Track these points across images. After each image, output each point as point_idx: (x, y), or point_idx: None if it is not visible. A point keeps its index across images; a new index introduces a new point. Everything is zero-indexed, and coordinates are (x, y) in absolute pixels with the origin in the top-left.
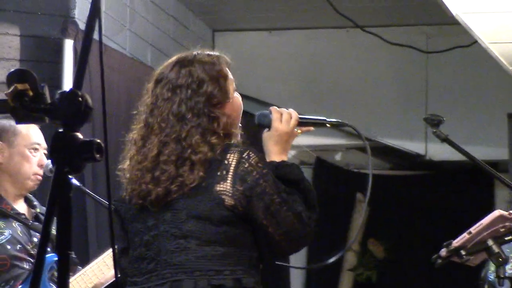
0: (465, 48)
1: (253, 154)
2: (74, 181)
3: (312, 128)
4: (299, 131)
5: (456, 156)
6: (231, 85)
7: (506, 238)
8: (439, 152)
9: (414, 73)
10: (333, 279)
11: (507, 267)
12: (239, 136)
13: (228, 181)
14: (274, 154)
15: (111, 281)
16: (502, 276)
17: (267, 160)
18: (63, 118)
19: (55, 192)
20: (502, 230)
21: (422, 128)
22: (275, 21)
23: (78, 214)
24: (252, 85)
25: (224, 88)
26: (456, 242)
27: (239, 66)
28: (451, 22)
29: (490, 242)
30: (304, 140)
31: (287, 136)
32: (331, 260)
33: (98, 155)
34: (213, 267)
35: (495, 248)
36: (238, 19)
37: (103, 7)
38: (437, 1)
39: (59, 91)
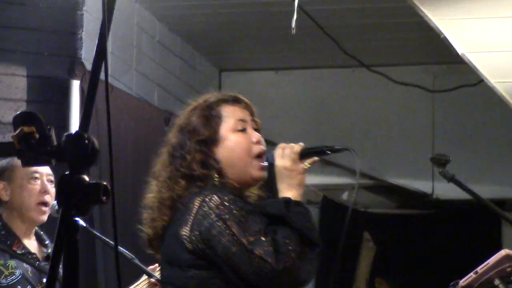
0: (471, 87)
1: (216, 197)
2: (81, 222)
3: (317, 159)
4: (307, 164)
5: (463, 195)
6: (228, 123)
7: None
8: (446, 191)
9: (420, 112)
10: None
11: None
12: (254, 174)
13: (188, 225)
14: (280, 191)
15: None
16: None
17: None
18: (69, 161)
19: (61, 234)
20: (508, 269)
21: (428, 167)
22: (281, 61)
23: (86, 254)
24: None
25: (210, 126)
26: (463, 282)
27: None
28: (457, 61)
29: (497, 282)
30: (311, 179)
31: (288, 171)
32: None
33: (104, 198)
34: None
35: None
36: (245, 59)
37: (109, 48)
38: (443, 40)
39: (65, 133)
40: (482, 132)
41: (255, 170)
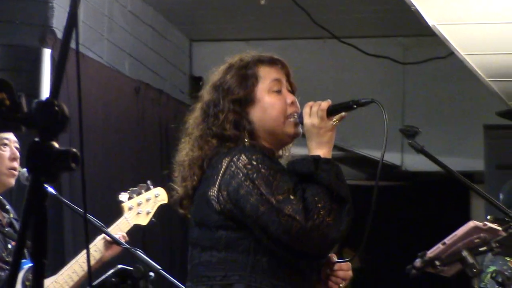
0: (442, 59)
1: (243, 157)
2: (50, 190)
3: (344, 114)
4: (335, 120)
5: (432, 167)
6: (263, 84)
7: (480, 249)
8: (415, 162)
9: (390, 84)
10: None
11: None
12: (288, 130)
13: (216, 186)
14: (311, 149)
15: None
16: (477, 286)
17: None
18: (39, 127)
19: (30, 201)
20: (476, 241)
21: (398, 139)
22: (252, 31)
23: (54, 222)
24: None
25: (245, 86)
26: (430, 253)
27: None
28: (428, 33)
29: (464, 253)
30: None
31: (316, 128)
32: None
33: (74, 164)
34: (207, 273)
35: (470, 259)
36: (216, 29)
37: (81, 17)
38: (414, 12)
39: (35, 100)
40: (452, 104)
41: (290, 127)
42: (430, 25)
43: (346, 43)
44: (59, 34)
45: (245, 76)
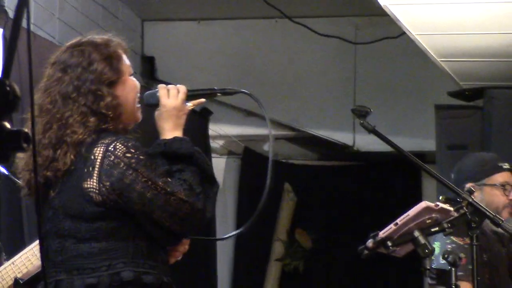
0: (393, 39)
1: (119, 145)
2: (3, 170)
3: (203, 100)
4: (191, 105)
5: (384, 147)
6: (126, 68)
7: (432, 230)
8: (367, 143)
9: (342, 64)
10: (260, 269)
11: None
12: (137, 117)
13: (94, 178)
14: (166, 131)
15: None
16: (428, 267)
17: (161, 137)
18: None
19: None
20: (428, 221)
21: (350, 118)
22: (204, 11)
23: (11, 203)
24: (181, 75)
25: (116, 68)
26: (382, 233)
27: (168, 55)
28: (380, 13)
29: (416, 233)
30: (233, 130)
31: (177, 110)
32: (226, 236)
33: (25, 145)
34: (89, 265)
35: (421, 239)
36: (167, 9)
37: None
38: None
39: None
40: (404, 84)
41: (138, 113)
42: (382, 5)
43: (297, 23)
44: (11, 14)
45: (113, 57)
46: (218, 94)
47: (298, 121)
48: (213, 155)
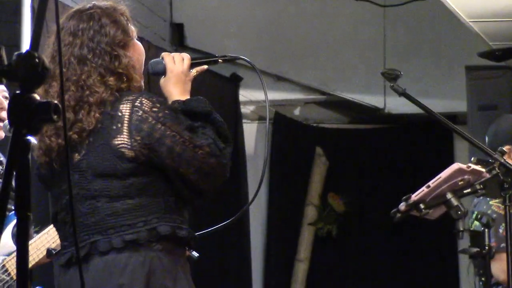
0: (422, 1)
1: (145, 100)
2: (34, 141)
3: (206, 67)
4: (194, 71)
5: (415, 109)
6: (133, 31)
7: (464, 192)
8: (398, 105)
9: (371, 27)
10: (293, 234)
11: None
12: (142, 84)
13: (125, 133)
14: (176, 95)
15: None
16: (462, 229)
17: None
18: (20, 80)
19: (13, 154)
20: (460, 183)
21: (380, 81)
22: None
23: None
24: (211, 42)
25: (126, 30)
26: (415, 196)
27: (197, 22)
28: None
29: (449, 195)
30: (263, 95)
31: (184, 75)
32: (230, 220)
33: (55, 116)
34: (125, 222)
35: (454, 201)
36: None
37: None
38: None
39: (16, 53)
40: (433, 46)
41: (142, 80)
42: None
43: None
44: None
45: (121, 20)
46: (220, 61)
47: (328, 84)
48: (244, 120)
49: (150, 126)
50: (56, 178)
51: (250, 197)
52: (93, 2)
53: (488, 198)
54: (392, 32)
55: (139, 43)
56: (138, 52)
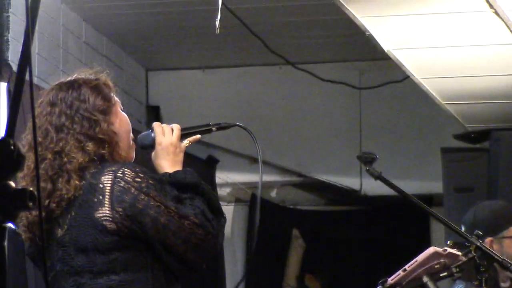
0: (398, 83)
1: (128, 171)
2: (11, 226)
3: (199, 136)
4: (187, 142)
5: (392, 191)
6: (116, 100)
7: (441, 275)
8: (374, 187)
9: (347, 109)
10: None
11: None
12: (131, 154)
13: (106, 206)
14: (166, 167)
15: None
16: None
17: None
18: None
19: None
20: (437, 266)
21: (356, 163)
22: (208, 59)
23: (15, 259)
24: (186, 123)
25: (107, 97)
26: (391, 280)
27: (173, 104)
28: (383, 57)
29: (425, 279)
30: (239, 177)
31: (174, 147)
32: None
33: (30, 203)
34: None
35: (430, 285)
36: (172, 58)
37: (35, 49)
38: (368, 38)
39: None
40: (409, 128)
41: (132, 151)
42: (385, 50)
43: (301, 69)
44: (15, 68)
45: (100, 87)
46: (213, 129)
47: (304, 166)
48: (221, 203)
49: (133, 197)
50: (40, 254)
51: (228, 282)
52: (75, 75)
53: (464, 283)
54: (368, 114)
55: (123, 113)
56: (122, 119)
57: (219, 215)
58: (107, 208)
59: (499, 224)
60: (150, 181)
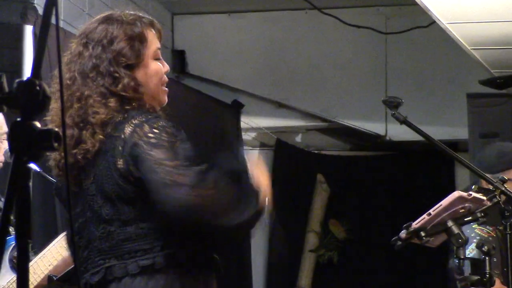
0: (424, 28)
1: (147, 126)
2: (35, 167)
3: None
4: None
5: (417, 137)
6: (150, 49)
7: (465, 219)
8: (399, 132)
9: (373, 54)
10: (294, 260)
11: (469, 248)
12: (162, 98)
13: (123, 158)
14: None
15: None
16: (462, 257)
17: None
18: (21, 107)
19: (14, 181)
20: (461, 211)
21: (382, 108)
22: (234, 3)
23: (45, 197)
24: (212, 68)
25: (137, 50)
26: (415, 224)
27: (198, 49)
28: (410, 2)
29: (450, 223)
30: (264, 122)
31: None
32: None
33: (56, 144)
34: (140, 247)
35: (455, 229)
36: (197, 2)
37: None
38: None
39: (17, 80)
40: (434, 73)
41: (164, 96)
42: None
43: (327, 14)
44: (41, 11)
45: (134, 37)
46: None
47: (329, 111)
48: (245, 147)
49: (143, 152)
50: (72, 200)
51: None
52: (119, 12)
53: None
54: (393, 59)
55: (156, 63)
56: (150, 73)
57: (253, 204)
58: (123, 160)
59: (500, 163)
60: (164, 137)
